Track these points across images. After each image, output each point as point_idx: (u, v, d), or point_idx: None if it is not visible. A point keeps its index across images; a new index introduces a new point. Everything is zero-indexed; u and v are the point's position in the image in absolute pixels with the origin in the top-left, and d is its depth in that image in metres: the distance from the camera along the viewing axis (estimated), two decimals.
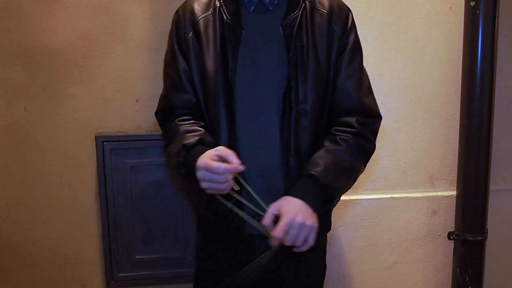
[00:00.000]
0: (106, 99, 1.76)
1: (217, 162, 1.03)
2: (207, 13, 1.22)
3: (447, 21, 1.92)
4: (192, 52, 1.21)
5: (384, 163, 1.97)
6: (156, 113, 1.31)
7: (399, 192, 1.99)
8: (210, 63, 1.18)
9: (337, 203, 1.30)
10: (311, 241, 1.06)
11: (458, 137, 1.96)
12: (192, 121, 1.22)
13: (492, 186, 1.95)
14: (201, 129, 1.20)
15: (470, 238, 1.93)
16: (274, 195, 1.16)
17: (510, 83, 2.03)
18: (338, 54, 1.22)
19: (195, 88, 1.23)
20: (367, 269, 2.00)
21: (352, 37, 1.24)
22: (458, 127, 1.96)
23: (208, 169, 1.03)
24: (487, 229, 1.94)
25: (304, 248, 1.07)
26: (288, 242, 1.05)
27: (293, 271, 1.29)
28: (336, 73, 1.22)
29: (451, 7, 1.91)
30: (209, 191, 1.08)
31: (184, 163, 1.12)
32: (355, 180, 1.25)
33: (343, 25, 1.22)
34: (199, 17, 1.22)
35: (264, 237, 1.22)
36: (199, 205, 1.30)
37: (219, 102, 1.18)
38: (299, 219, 1.05)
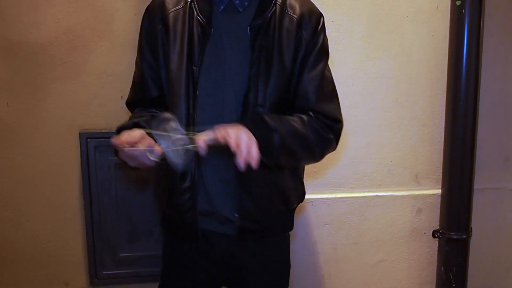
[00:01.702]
0: (91, 96, 1.75)
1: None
2: (177, 7, 1.20)
3: (433, 20, 1.93)
4: (160, 45, 1.20)
5: (369, 161, 1.97)
6: (126, 104, 1.34)
7: (385, 190, 2.00)
8: (175, 59, 1.17)
9: (278, 161, 1.17)
10: (254, 152, 1.00)
11: (443, 136, 1.98)
12: (151, 110, 1.24)
13: (477, 185, 1.96)
14: (147, 114, 1.20)
15: (454, 237, 1.94)
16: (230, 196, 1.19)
17: (495, 83, 2.04)
18: (304, 57, 1.20)
19: (160, 82, 1.22)
20: (352, 267, 2.01)
21: (320, 41, 1.21)
22: (444, 126, 1.97)
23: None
24: (471, 228, 1.96)
25: (252, 161, 0.99)
26: (232, 145, 0.99)
27: (254, 268, 1.28)
28: (299, 77, 1.20)
29: (437, 7, 1.92)
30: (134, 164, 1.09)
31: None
32: (306, 157, 1.21)
33: (312, 29, 1.20)
34: (170, 10, 1.20)
35: (222, 235, 1.23)
36: (161, 201, 1.30)
37: (180, 99, 1.16)
38: (234, 129, 1.02)
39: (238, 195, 1.18)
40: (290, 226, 1.35)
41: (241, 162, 0.98)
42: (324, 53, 1.23)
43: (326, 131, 1.20)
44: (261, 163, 1.04)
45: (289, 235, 1.38)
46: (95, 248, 1.80)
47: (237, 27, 1.18)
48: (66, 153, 1.76)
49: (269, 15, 1.18)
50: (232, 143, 0.98)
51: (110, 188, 1.77)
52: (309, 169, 1.89)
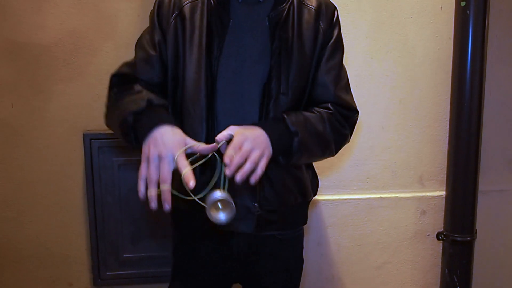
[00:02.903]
0: (95, 97, 1.75)
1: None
2: None
3: (437, 21, 1.92)
4: (171, 34, 1.18)
5: (373, 163, 1.97)
6: (114, 75, 1.20)
7: (389, 192, 1.99)
8: (195, 50, 1.16)
9: (296, 161, 1.17)
10: (259, 171, 0.98)
11: (447, 137, 1.97)
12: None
13: (481, 187, 1.95)
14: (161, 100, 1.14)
15: (458, 239, 1.93)
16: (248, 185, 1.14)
17: (499, 84, 2.03)
18: (321, 48, 1.22)
19: (165, 69, 1.19)
20: (356, 269, 2.00)
21: (335, 33, 1.24)
22: (448, 127, 1.96)
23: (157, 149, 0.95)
24: (476, 230, 1.95)
25: (252, 177, 0.98)
26: (236, 159, 0.96)
27: (269, 267, 1.28)
28: (317, 67, 1.22)
29: (441, 7, 1.91)
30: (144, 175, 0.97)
31: (141, 113, 1.04)
32: (323, 155, 1.22)
33: (328, 20, 1.23)
34: (186, 1, 1.19)
35: (239, 233, 1.21)
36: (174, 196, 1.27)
37: (200, 91, 1.15)
38: (250, 135, 1.00)
39: (258, 184, 1.13)
40: (306, 219, 1.36)
41: (238, 177, 0.95)
42: (340, 44, 1.26)
43: (343, 127, 1.22)
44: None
45: (303, 231, 1.38)
46: (98, 248, 1.80)
47: (256, 18, 1.18)
48: (70, 154, 1.77)
49: (288, 6, 1.19)
50: (238, 159, 0.96)
51: (114, 189, 1.77)
52: None
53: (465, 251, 1.94)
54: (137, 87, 1.15)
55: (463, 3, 1.80)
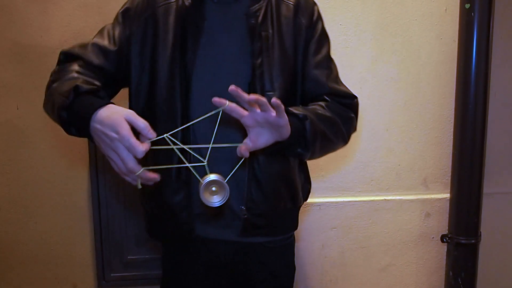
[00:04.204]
0: None
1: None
2: (169, 0, 1.17)
3: (442, 23, 1.92)
4: (140, 33, 1.16)
5: (378, 165, 1.96)
6: (63, 52, 1.16)
7: (393, 194, 1.99)
8: (167, 52, 1.13)
9: (314, 151, 1.14)
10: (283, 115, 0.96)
11: (452, 139, 1.96)
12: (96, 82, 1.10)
13: (486, 189, 1.95)
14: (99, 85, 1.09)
15: (463, 241, 1.92)
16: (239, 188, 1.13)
17: (504, 86, 2.03)
18: (306, 43, 1.20)
19: (120, 64, 1.15)
20: (360, 272, 2.00)
21: (319, 27, 1.23)
22: (452, 129, 1.95)
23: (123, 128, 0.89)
24: (480, 232, 1.94)
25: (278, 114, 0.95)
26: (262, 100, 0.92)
27: (258, 275, 1.25)
28: (305, 63, 1.21)
29: (446, 9, 1.91)
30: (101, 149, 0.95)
31: (71, 107, 0.99)
32: (337, 139, 1.18)
33: (309, 17, 1.21)
34: (160, 3, 1.18)
35: (225, 242, 1.17)
36: (142, 196, 1.24)
37: (175, 92, 1.12)
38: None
39: (246, 186, 1.13)
40: (296, 225, 1.32)
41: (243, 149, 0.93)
42: (325, 37, 1.25)
43: (345, 110, 1.20)
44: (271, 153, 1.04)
45: (294, 238, 1.36)
46: (103, 250, 1.80)
47: (233, 16, 1.17)
48: (75, 155, 1.77)
49: (265, 3, 1.18)
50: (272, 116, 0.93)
51: (118, 190, 1.78)
52: (317, 172, 1.89)
53: (470, 254, 1.94)
54: (73, 69, 1.10)
55: (467, 5, 1.80)
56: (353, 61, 1.88)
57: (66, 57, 1.15)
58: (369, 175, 1.97)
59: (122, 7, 1.22)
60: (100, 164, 1.75)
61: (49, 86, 1.11)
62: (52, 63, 1.68)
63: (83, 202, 1.81)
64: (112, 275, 1.83)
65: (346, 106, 1.21)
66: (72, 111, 0.99)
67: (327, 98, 1.19)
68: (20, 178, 1.77)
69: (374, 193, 1.98)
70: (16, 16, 1.68)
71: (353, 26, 1.87)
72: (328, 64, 1.23)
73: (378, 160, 1.96)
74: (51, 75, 1.14)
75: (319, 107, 1.16)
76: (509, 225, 2.12)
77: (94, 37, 1.20)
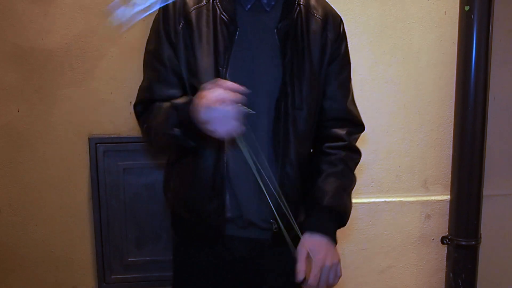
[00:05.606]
0: (100, 101, 1.76)
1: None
2: (199, 4, 1.15)
3: (441, 25, 1.92)
4: (181, 43, 1.14)
5: (378, 167, 1.97)
6: (136, 105, 1.21)
7: (393, 196, 1.99)
8: (204, 58, 1.12)
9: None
10: (339, 273, 1.14)
11: (452, 141, 1.97)
12: None
13: (486, 191, 1.95)
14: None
15: (463, 243, 1.93)
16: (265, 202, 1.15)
17: (504, 88, 2.03)
18: (330, 61, 1.21)
19: (182, 81, 1.16)
20: (360, 273, 2.00)
21: (343, 47, 1.25)
22: (452, 131, 1.96)
23: (211, 99, 0.95)
24: (481, 234, 1.95)
25: (336, 282, 1.13)
26: (322, 285, 1.10)
27: (275, 270, 1.26)
28: (327, 81, 1.22)
29: (446, 12, 1.92)
30: (219, 133, 0.98)
31: (178, 121, 1.05)
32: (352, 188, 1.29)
33: (336, 33, 1.22)
34: (192, 8, 1.15)
35: (243, 240, 1.21)
36: (174, 201, 1.25)
37: None
38: (328, 262, 1.11)
39: (275, 201, 1.13)
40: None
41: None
42: (348, 58, 1.29)
43: (356, 152, 1.29)
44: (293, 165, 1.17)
45: None
46: (103, 252, 1.80)
47: (264, 27, 1.16)
48: (75, 158, 1.77)
49: (295, 16, 1.17)
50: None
51: (119, 193, 1.78)
52: None
53: (470, 255, 1.94)
54: (154, 107, 1.15)
55: (467, 8, 1.81)
56: (354, 63, 1.84)
57: (142, 107, 1.20)
58: (369, 177, 1.97)
59: (158, 18, 1.19)
60: (100, 166, 1.75)
61: (148, 132, 1.16)
62: (52, 66, 1.71)
63: (84, 204, 1.81)
64: (112, 277, 1.82)
65: (355, 137, 1.29)
66: (180, 123, 1.05)
67: (344, 139, 1.24)
68: (20, 180, 1.77)
69: (375, 195, 1.98)
70: (17, 18, 1.68)
71: (354, 28, 1.87)
72: (348, 85, 1.28)
73: (378, 162, 1.96)
74: (141, 127, 1.21)
75: (341, 173, 1.23)
76: (509, 226, 2.12)
77: (144, 66, 1.22)
